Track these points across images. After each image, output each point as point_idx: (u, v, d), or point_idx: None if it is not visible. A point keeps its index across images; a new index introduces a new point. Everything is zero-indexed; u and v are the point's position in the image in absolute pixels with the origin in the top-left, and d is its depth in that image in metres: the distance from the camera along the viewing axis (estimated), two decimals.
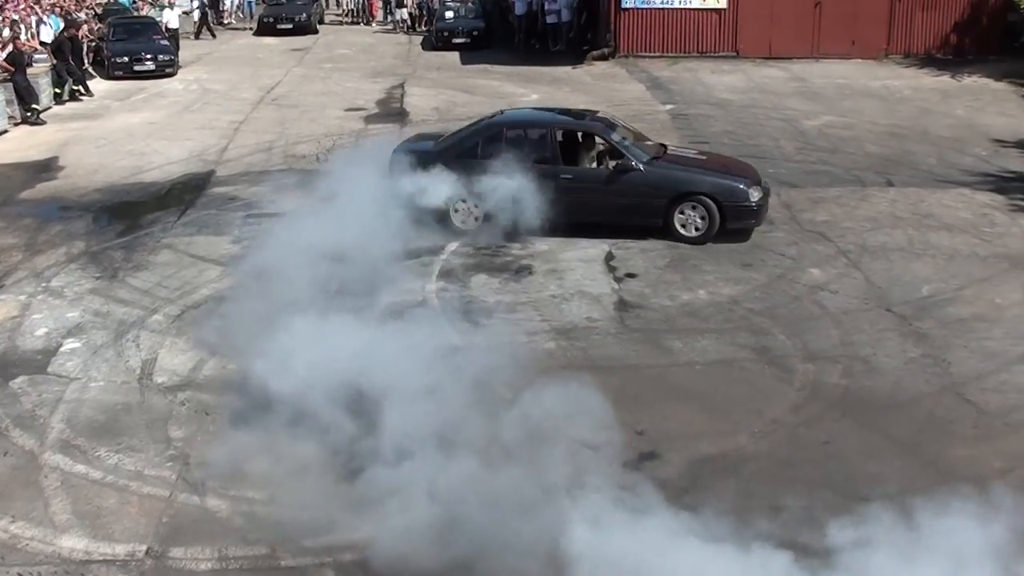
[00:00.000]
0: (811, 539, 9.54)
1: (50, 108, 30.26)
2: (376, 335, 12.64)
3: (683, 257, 17.34)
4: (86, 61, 35.75)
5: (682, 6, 36.96)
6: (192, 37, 45.92)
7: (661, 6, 36.98)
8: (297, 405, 11.32)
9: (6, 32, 31.75)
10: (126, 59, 36.02)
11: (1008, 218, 19.17)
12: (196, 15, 47.77)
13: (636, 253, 17.58)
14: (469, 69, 37.37)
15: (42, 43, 33.89)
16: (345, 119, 28.70)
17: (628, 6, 37.03)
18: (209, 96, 32.67)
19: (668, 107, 28.98)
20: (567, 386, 11.57)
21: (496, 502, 10.10)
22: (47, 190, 22.10)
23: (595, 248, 17.81)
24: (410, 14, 49.55)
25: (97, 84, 34.23)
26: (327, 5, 57.05)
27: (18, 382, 13.33)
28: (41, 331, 14.89)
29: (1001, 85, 32.00)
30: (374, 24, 51.27)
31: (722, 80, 33.39)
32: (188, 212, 20.15)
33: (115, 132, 27.42)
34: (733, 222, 17.83)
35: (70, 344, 14.43)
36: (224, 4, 52.94)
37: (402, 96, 32.28)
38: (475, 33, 42.59)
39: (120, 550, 10.01)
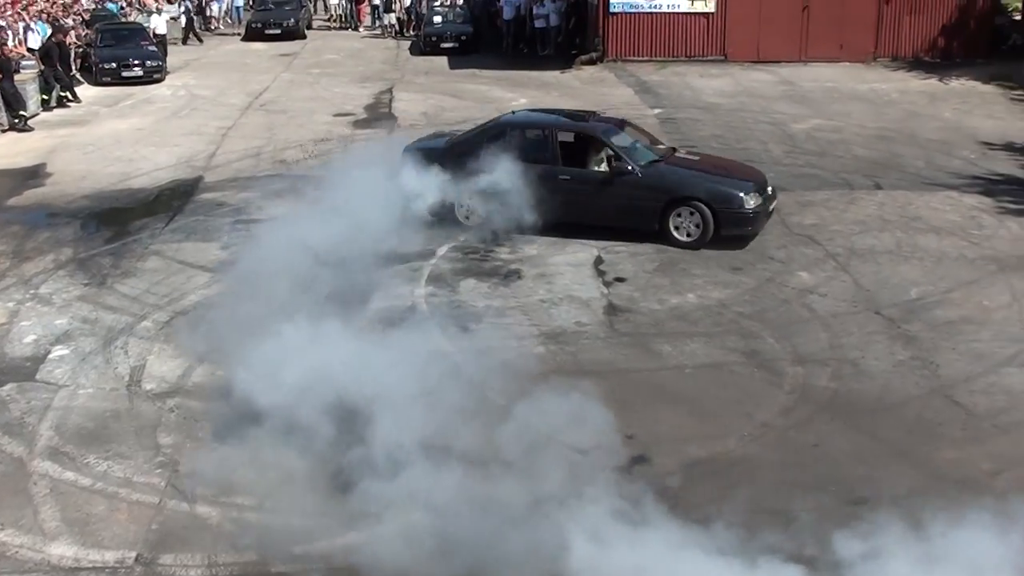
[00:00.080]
0: (799, 542, 9.56)
1: (38, 115, 30.17)
2: (364, 342, 12.65)
3: (672, 261, 17.35)
4: (74, 67, 35.67)
5: (670, 10, 37.01)
6: (180, 43, 45.84)
7: (649, 10, 37.02)
8: (284, 413, 11.29)
9: None
10: (114, 65, 35.92)
11: (996, 220, 19.21)
12: (183, 21, 47.70)
13: (625, 257, 17.58)
14: (457, 74, 37.36)
15: (29, 49, 33.81)
16: (333, 124, 28.67)
17: (616, 10, 37.06)
18: (197, 102, 32.63)
19: (656, 111, 28.99)
20: (556, 391, 11.59)
21: (485, 508, 10.11)
22: (35, 197, 22.06)
23: (584, 252, 17.81)
24: (398, 19, 49.52)
25: (85, 90, 34.15)
26: (315, 10, 56.98)
27: (7, 389, 13.31)
28: (29, 338, 14.86)
29: (989, 88, 32.08)
30: (362, 29, 51.22)
31: (710, 84, 33.43)
32: (176, 218, 20.12)
33: (103, 138, 27.37)
34: (728, 229, 17.74)
35: (58, 351, 14.41)
36: (212, 10, 52.86)
37: (390, 101, 32.26)
38: (463, 38, 42.57)
39: (109, 557, 9.99)
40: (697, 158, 19.87)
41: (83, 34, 39.47)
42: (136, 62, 36.12)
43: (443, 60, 40.36)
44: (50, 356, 14.25)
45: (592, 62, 37.17)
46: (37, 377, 13.66)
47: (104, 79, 35.81)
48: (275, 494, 10.81)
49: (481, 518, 9.94)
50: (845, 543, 9.03)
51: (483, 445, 11.09)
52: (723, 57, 36.93)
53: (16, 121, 28.60)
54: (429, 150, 19.57)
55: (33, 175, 23.81)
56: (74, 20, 40.89)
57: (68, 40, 35.61)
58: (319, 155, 24.79)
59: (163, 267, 17.49)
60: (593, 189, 18.34)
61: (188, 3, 48.36)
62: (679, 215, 17.84)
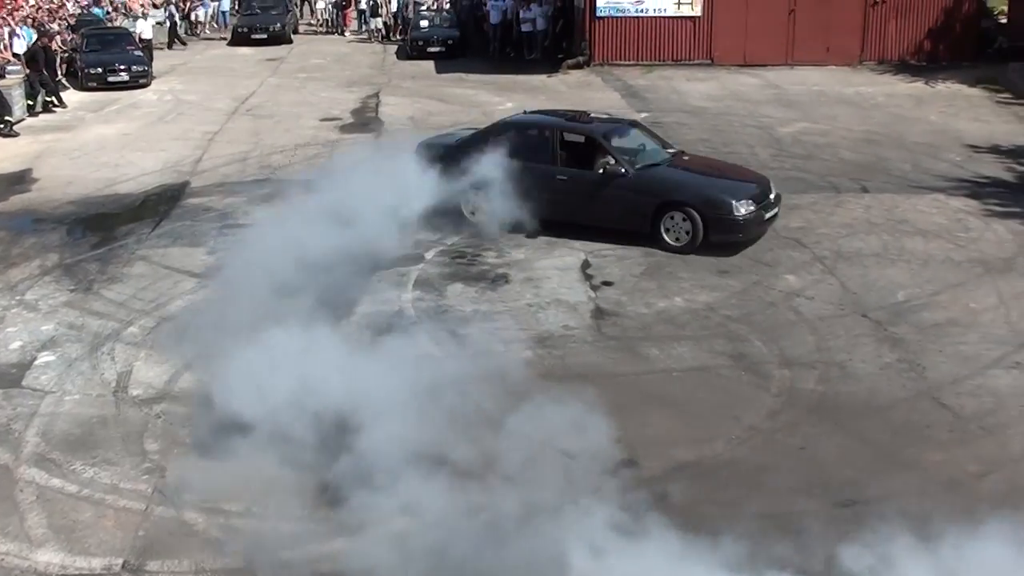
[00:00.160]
0: (785, 545, 9.57)
1: (23, 120, 30.06)
2: (350, 347, 12.67)
3: (659, 265, 17.35)
4: (59, 72, 35.58)
5: (657, 14, 37.03)
6: (166, 47, 45.76)
7: (636, 14, 37.04)
8: (270, 420, 11.27)
9: None
10: (99, 70, 35.83)
11: (982, 223, 19.25)
12: (168, 25, 47.60)
13: (612, 261, 17.59)
14: (444, 78, 37.36)
15: (15, 54, 33.75)
16: (320, 129, 28.65)
17: (603, 15, 37.07)
18: (183, 107, 32.57)
19: (643, 115, 28.91)
20: (544, 395, 11.59)
21: (472, 513, 10.12)
22: (20, 202, 21.99)
23: (571, 256, 17.82)
24: (384, 23, 49.50)
25: (70, 95, 34.08)
26: (301, 15, 56.93)
27: None
28: (15, 344, 14.81)
29: (975, 91, 32.16)
30: (348, 33, 51.18)
31: (697, 88, 33.46)
32: (163, 223, 20.07)
33: (89, 144, 27.31)
34: (717, 235, 17.65)
35: (45, 357, 14.36)
36: (198, 14, 52.79)
37: (377, 106, 32.24)
38: (450, 42, 42.56)
39: (96, 564, 9.95)
40: (702, 162, 19.92)
41: (69, 39, 39.36)
42: (122, 67, 36.02)
43: (430, 64, 40.35)
44: (36, 362, 14.20)
45: (579, 66, 37.19)
46: (23, 383, 13.60)
47: (90, 84, 35.73)
48: (262, 500, 10.79)
49: (467, 523, 9.95)
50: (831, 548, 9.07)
51: (470, 450, 11.10)
52: (710, 61, 36.97)
53: (1, 127, 28.52)
54: (441, 146, 19.88)
55: (19, 180, 23.74)
56: (60, 25, 40.78)
57: (54, 45, 35.51)
58: (305, 160, 24.75)
59: (149, 272, 17.44)
60: (588, 190, 18.43)
61: (171, 8, 48.24)
62: (672, 218, 17.82)
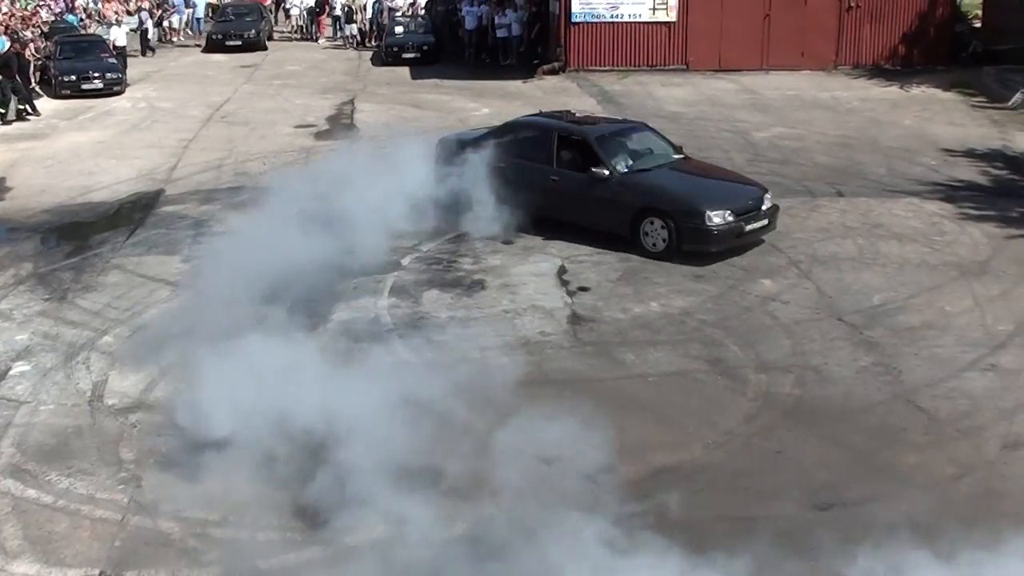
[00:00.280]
0: (762, 549, 9.60)
1: None
2: (324, 355, 12.68)
3: (635, 270, 17.37)
4: (33, 80, 35.41)
5: (632, 20, 37.03)
6: (140, 55, 45.57)
7: (611, 20, 37.04)
8: (245, 429, 11.25)
9: None
10: (73, 78, 35.63)
11: (957, 227, 19.33)
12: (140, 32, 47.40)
13: (588, 267, 17.60)
14: (419, 84, 37.33)
15: None
16: (295, 136, 28.59)
17: (578, 20, 37.06)
18: (158, 114, 32.43)
19: None
20: (520, 401, 11.60)
21: (449, 518, 10.13)
22: None
23: (548, 262, 17.83)
24: (360, 30, 49.41)
25: (44, 103, 33.90)
26: (276, 21, 56.79)
27: None
28: None
29: (949, 95, 32.28)
30: (323, 40, 51.08)
31: (672, 93, 33.49)
32: (137, 232, 20.00)
33: (63, 152, 27.19)
34: (689, 244, 17.60)
35: (19, 367, 14.29)
36: (172, 21, 52.61)
37: (352, 112, 32.19)
38: (425, 48, 42.48)
39: (73, 575, 9.91)
40: (702, 168, 19.88)
41: (42, 46, 39.19)
42: (96, 74, 35.83)
43: (405, 71, 40.29)
44: (11, 372, 14.13)
45: (554, 72, 37.18)
46: None
47: (64, 92, 35.53)
48: (238, 509, 10.76)
49: (443, 528, 9.96)
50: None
51: (446, 458, 11.12)
52: (685, 66, 36.99)
53: None
54: (457, 142, 20.65)
55: None
56: (33, 32, 40.64)
57: (27, 53, 35.35)
58: (277, 166, 24.70)
59: (124, 281, 17.38)
60: (576, 191, 18.67)
61: (142, 15, 48.01)
62: (651, 223, 17.84)
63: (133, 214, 21.30)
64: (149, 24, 47.57)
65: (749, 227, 17.90)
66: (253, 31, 48.02)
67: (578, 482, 10.78)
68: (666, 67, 37.00)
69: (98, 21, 46.96)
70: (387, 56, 42.70)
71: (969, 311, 15.66)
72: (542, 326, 15.37)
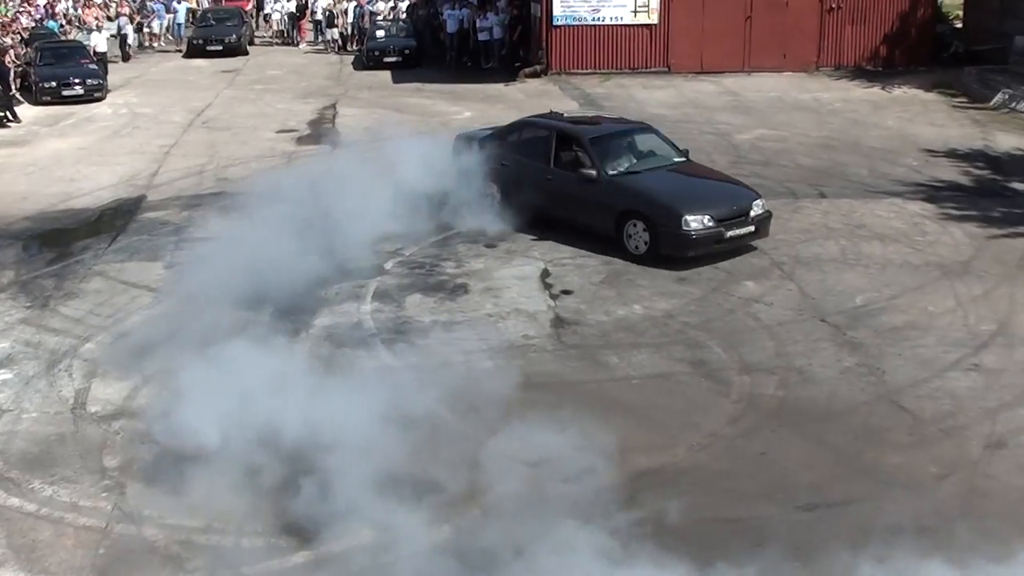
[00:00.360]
0: (747, 550, 9.62)
1: None
2: (307, 360, 12.67)
3: (618, 273, 17.37)
4: (13, 87, 35.28)
5: (613, 22, 37.05)
6: (120, 60, 45.44)
7: (592, 23, 37.06)
8: (227, 435, 11.24)
9: None
10: (54, 84, 35.50)
11: (939, 227, 19.37)
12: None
13: (571, 270, 17.60)
14: (401, 88, 37.27)
15: None
16: (277, 141, 28.53)
17: (560, 23, 37.08)
18: (139, 120, 32.31)
19: None
20: (504, 404, 11.59)
21: (434, 522, 10.13)
22: None
23: (530, 265, 17.83)
24: (341, 34, 49.30)
25: (25, 110, 33.78)
26: (256, 26, 56.66)
27: None
28: None
29: (931, 96, 32.38)
30: (303, 44, 50.98)
31: (654, 95, 33.51)
32: (119, 238, 19.93)
33: (44, 158, 27.10)
34: (666, 248, 17.56)
35: (1, 375, 14.24)
36: (153, 26, 52.45)
37: (334, 116, 32.12)
38: (406, 52, 42.39)
39: None
40: (699, 172, 19.75)
41: (22, 53, 39.06)
42: (76, 81, 35.69)
43: (386, 74, 40.21)
44: None
45: (536, 75, 37.18)
46: None
47: (44, 98, 35.38)
48: (222, 515, 10.73)
49: (428, 533, 9.97)
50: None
51: (430, 461, 11.12)
52: (667, 68, 37.02)
53: None
54: (472, 139, 21.09)
55: None
56: (13, 39, 40.47)
57: (7, 59, 35.22)
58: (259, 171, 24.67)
59: (107, 288, 17.33)
60: (568, 191, 18.81)
61: (120, 20, 47.82)
62: (634, 226, 17.84)
63: (115, 220, 21.22)
64: (128, 30, 47.37)
65: (730, 233, 17.75)
66: (234, 36, 47.89)
67: (562, 485, 10.78)
68: (648, 69, 37.03)
69: (78, 27, 46.78)
70: (368, 60, 42.61)
71: (952, 311, 15.70)
72: (525, 329, 15.36)
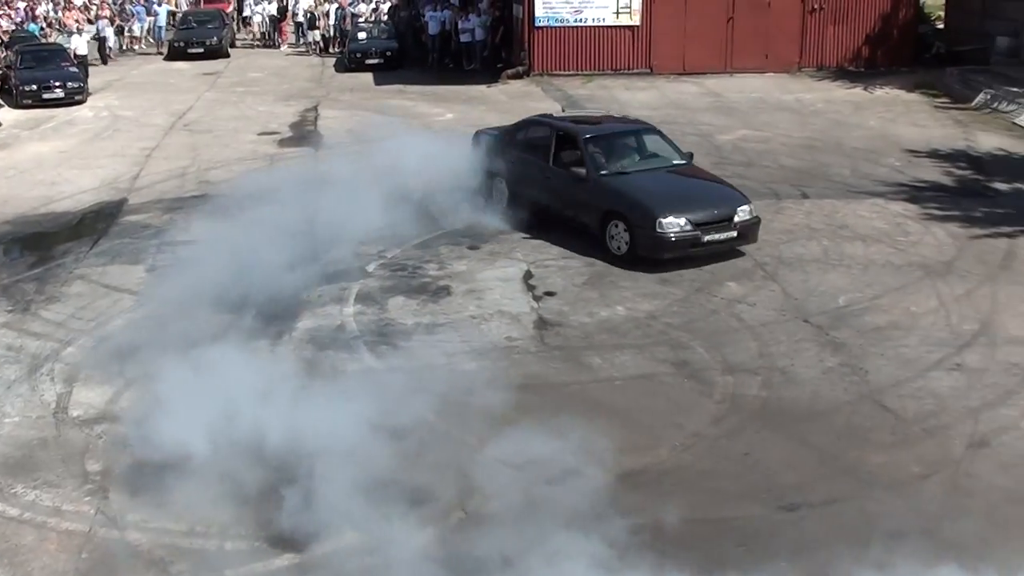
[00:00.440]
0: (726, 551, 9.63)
1: None
2: (288, 362, 12.66)
3: (601, 274, 17.37)
4: None
5: (596, 24, 37.07)
6: (100, 63, 45.31)
7: (574, 24, 37.07)
8: (209, 439, 11.22)
9: None
10: (34, 87, 35.35)
11: (921, 227, 19.41)
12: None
13: (554, 271, 17.59)
14: (383, 90, 37.21)
15: None
16: (259, 143, 28.46)
17: (542, 24, 37.07)
18: (120, 123, 32.21)
19: None
20: (487, 406, 11.58)
21: (419, 526, 10.12)
22: None
23: (513, 267, 17.82)
24: (322, 36, 49.22)
25: (5, 113, 33.68)
26: (238, 28, 56.54)
27: None
28: None
29: (913, 96, 32.46)
30: (285, 47, 50.88)
31: (636, 96, 33.51)
32: (101, 242, 19.87)
33: (24, 162, 27.00)
34: (643, 250, 17.53)
35: None
36: (133, 29, 52.32)
37: (316, 119, 32.07)
38: (388, 54, 42.31)
39: None
40: (694, 175, 19.60)
41: (2, 56, 38.93)
42: (57, 84, 35.55)
43: (368, 76, 40.14)
44: None
45: (519, 76, 37.19)
46: None
47: (25, 101, 35.24)
48: (206, 519, 10.70)
49: (413, 536, 9.95)
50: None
51: (415, 464, 11.11)
52: (649, 70, 37.04)
53: None
54: (487, 136, 21.50)
55: None
56: None
57: None
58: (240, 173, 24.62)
59: (88, 291, 17.27)
60: (563, 189, 18.96)
61: (100, 23, 47.68)
62: (616, 226, 17.83)
63: (96, 224, 21.16)
64: (108, 32, 47.23)
65: (708, 238, 17.58)
66: (215, 38, 47.79)
67: (545, 487, 10.78)
68: (630, 71, 37.05)
69: (59, 30, 46.65)
70: (350, 62, 42.53)
71: (934, 311, 15.73)
72: (508, 331, 15.35)
